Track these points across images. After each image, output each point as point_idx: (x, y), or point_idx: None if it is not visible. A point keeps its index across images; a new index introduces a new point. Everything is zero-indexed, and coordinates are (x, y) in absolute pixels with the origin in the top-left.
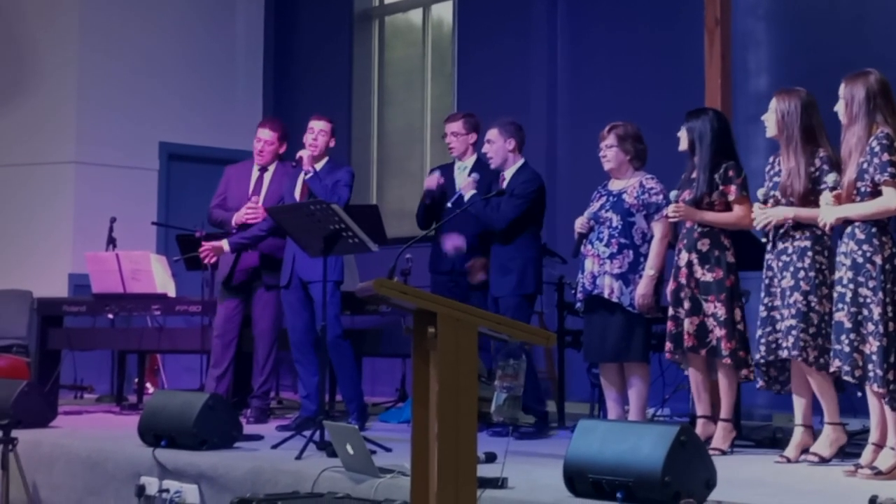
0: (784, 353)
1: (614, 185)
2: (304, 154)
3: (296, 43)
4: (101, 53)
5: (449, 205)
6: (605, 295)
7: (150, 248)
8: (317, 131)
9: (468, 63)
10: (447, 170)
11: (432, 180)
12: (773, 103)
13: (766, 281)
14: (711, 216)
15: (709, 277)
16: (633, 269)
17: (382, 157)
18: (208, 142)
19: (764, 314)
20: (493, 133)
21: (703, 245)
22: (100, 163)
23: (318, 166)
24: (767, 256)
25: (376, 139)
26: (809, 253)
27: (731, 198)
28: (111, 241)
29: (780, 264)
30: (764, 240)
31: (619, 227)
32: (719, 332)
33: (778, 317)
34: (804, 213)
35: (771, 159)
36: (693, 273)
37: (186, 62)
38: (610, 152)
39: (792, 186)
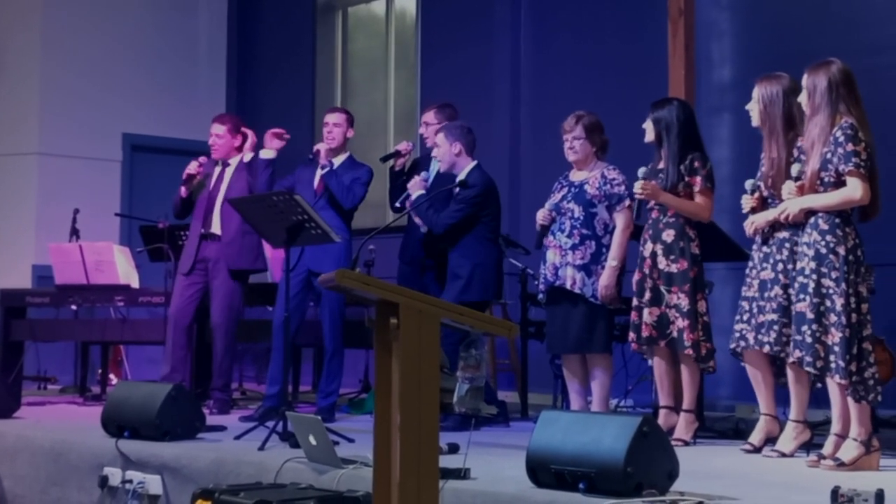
0: (766, 349)
1: (576, 176)
2: (321, 147)
3: (259, 33)
4: (64, 44)
5: (397, 205)
6: (568, 286)
7: (113, 239)
8: (331, 124)
9: (432, 54)
10: (425, 161)
11: (416, 185)
12: (756, 91)
13: (747, 270)
14: (673, 199)
15: (673, 268)
16: (596, 260)
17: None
18: (171, 133)
19: (741, 304)
20: (439, 137)
21: (668, 236)
22: (63, 154)
23: (337, 161)
24: (753, 247)
25: None
26: (787, 244)
27: (696, 188)
28: (74, 233)
29: (762, 255)
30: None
31: (582, 217)
32: (681, 323)
33: (756, 308)
34: (777, 214)
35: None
36: (657, 264)
37: (150, 53)
38: (578, 143)
39: (775, 179)
